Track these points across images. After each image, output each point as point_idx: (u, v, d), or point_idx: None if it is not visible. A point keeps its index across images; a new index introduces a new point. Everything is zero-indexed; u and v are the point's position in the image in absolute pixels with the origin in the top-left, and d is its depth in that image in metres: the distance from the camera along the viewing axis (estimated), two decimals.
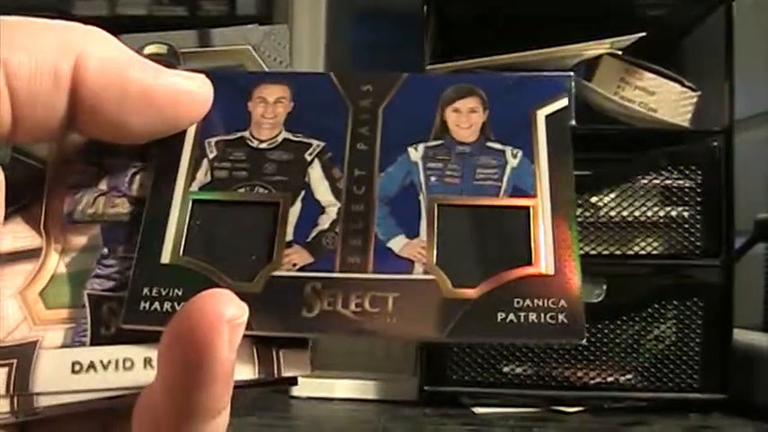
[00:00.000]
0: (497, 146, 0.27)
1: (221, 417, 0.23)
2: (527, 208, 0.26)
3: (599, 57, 1.09)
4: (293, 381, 0.25)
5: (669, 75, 1.09)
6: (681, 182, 1.04)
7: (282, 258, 0.25)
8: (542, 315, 0.24)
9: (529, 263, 0.25)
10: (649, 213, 1.04)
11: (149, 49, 0.30)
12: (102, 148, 0.27)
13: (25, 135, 0.25)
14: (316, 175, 0.27)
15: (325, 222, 0.26)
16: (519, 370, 1.04)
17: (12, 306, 0.25)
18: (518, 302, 0.24)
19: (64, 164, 0.27)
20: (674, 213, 1.04)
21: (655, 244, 1.05)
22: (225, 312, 0.21)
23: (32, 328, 0.25)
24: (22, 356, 0.24)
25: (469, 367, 1.04)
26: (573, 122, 0.28)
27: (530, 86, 0.28)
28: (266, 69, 0.29)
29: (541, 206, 0.26)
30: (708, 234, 1.04)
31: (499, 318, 0.24)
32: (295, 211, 0.26)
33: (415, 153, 0.27)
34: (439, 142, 0.28)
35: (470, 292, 0.24)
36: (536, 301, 0.24)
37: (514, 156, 0.27)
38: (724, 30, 1.05)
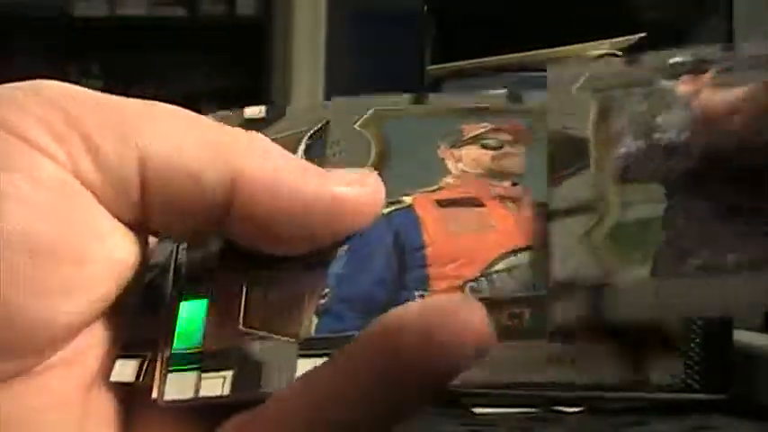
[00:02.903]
0: None
1: None
2: None
3: (599, 57, 1.09)
4: None
5: None
6: None
7: None
8: None
9: None
10: None
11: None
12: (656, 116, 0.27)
13: (161, 219, 0.24)
14: None
15: None
16: None
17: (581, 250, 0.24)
18: None
19: (608, 142, 0.27)
20: None
21: None
22: None
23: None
24: None
25: None
26: None
27: None
28: None
29: None
30: None
31: None
32: None
33: None
34: None
35: None
36: None
37: None
38: (724, 31, 1.05)
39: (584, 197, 0.25)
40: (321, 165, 0.27)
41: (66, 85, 0.24)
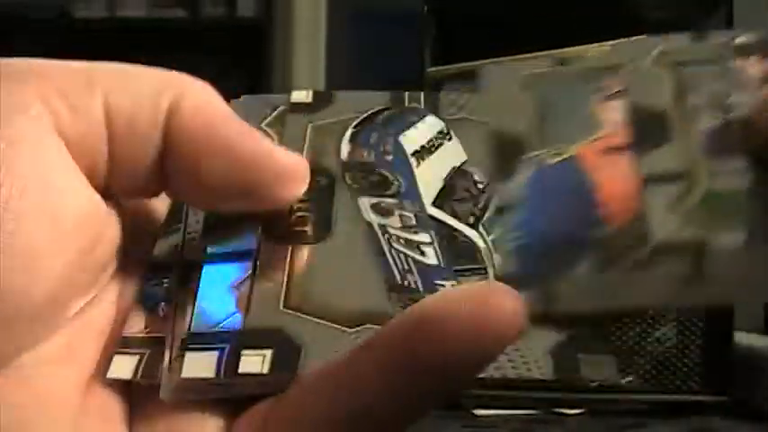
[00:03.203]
0: None
1: None
2: None
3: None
4: None
5: None
6: None
7: None
8: None
9: None
10: None
11: None
12: None
13: (122, 178, 0.25)
14: None
15: None
16: None
17: None
18: None
19: (687, 117, 0.29)
20: None
21: None
22: None
23: None
24: None
25: None
26: None
27: None
28: None
29: None
30: None
31: None
32: None
33: None
34: None
35: None
36: None
37: None
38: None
39: (673, 168, 0.27)
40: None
41: (37, 58, 0.25)
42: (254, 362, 0.24)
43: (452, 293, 0.22)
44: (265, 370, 0.24)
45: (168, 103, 0.25)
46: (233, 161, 0.25)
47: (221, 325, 0.25)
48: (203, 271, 0.27)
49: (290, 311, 0.25)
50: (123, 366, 0.25)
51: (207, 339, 0.25)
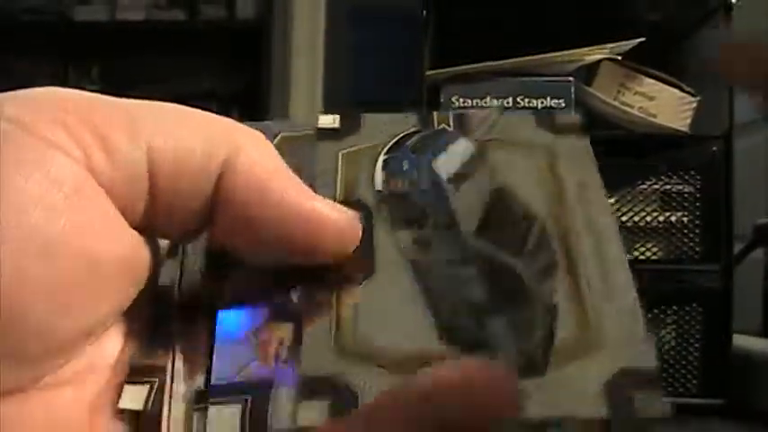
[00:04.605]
0: None
1: None
2: None
3: (599, 62, 1.09)
4: None
5: (669, 80, 1.09)
6: (680, 187, 1.04)
7: None
8: None
9: None
10: (649, 218, 1.04)
11: None
12: None
13: (163, 222, 0.25)
14: None
15: None
16: None
17: None
18: None
19: None
20: (673, 218, 1.04)
21: (654, 249, 1.05)
22: None
23: None
24: None
25: None
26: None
27: None
28: None
29: None
30: (707, 239, 1.04)
31: None
32: None
33: None
34: None
35: None
36: None
37: None
38: (724, 34, 1.05)
39: None
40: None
41: (76, 90, 0.24)
42: (311, 413, 0.23)
43: (453, 366, 0.22)
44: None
45: (223, 157, 0.24)
46: (287, 218, 0.25)
47: (241, 374, 0.25)
48: (218, 317, 0.26)
49: (344, 359, 0.25)
50: (134, 396, 0.25)
51: (228, 390, 0.24)
